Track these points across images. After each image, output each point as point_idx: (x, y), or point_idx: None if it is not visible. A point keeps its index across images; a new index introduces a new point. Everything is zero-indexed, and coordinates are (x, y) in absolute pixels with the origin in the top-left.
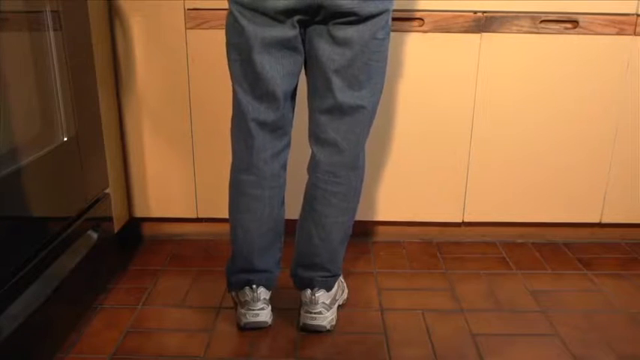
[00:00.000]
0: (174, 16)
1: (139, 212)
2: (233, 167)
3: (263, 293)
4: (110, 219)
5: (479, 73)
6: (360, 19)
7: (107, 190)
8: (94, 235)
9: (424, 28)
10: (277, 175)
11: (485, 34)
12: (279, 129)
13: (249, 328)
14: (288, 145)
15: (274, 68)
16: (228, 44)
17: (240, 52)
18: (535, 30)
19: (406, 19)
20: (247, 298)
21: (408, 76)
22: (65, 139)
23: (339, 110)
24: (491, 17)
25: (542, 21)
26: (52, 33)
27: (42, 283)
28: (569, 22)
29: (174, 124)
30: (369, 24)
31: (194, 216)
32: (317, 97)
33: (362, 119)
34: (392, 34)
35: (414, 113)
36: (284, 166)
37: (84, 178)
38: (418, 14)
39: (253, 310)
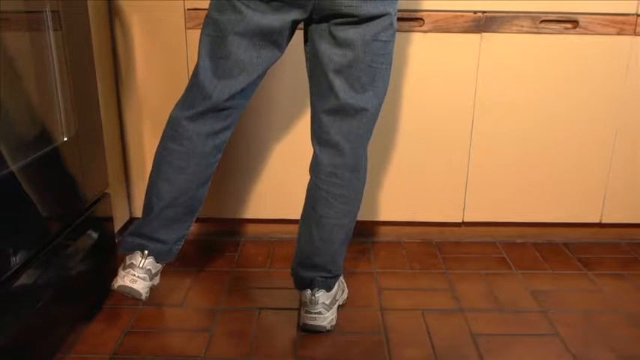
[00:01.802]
0: (174, 16)
1: (139, 212)
2: (165, 134)
3: (150, 264)
4: (110, 219)
5: (479, 73)
6: (359, 19)
7: (107, 190)
8: (94, 235)
9: (424, 28)
10: (208, 153)
11: (485, 34)
12: (226, 110)
13: (122, 294)
14: (229, 127)
15: (249, 54)
16: (207, 18)
17: (217, 29)
18: (535, 30)
19: (406, 19)
20: (134, 262)
21: (408, 76)
22: (65, 139)
23: (342, 111)
24: (491, 17)
25: (542, 21)
26: (52, 33)
27: (42, 283)
28: (569, 22)
29: None
30: (371, 25)
31: None
32: (320, 97)
33: (364, 121)
34: None
35: (414, 113)
36: (219, 148)
37: (84, 178)
38: (418, 14)
39: (134, 275)
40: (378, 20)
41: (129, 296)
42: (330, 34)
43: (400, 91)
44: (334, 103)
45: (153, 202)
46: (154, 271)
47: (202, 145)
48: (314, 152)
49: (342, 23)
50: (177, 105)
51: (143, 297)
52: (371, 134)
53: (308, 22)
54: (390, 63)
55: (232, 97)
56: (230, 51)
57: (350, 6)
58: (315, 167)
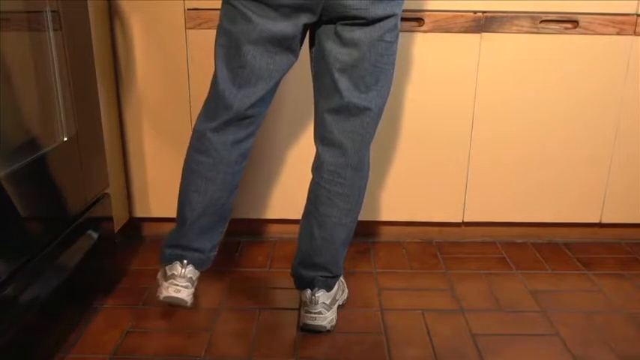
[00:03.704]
0: (174, 16)
1: (139, 212)
2: (191, 146)
3: (191, 272)
4: (110, 219)
5: (479, 73)
6: (367, 21)
7: (107, 190)
8: (94, 235)
9: (424, 28)
10: (234, 161)
11: (485, 34)
12: (248, 118)
13: (167, 303)
14: (252, 134)
15: (264, 61)
16: (220, 28)
17: (231, 39)
18: (535, 30)
19: (406, 19)
20: (175, 272)
21: (408, 76)
22: (65, 139)
23: (346, 111)
24: (492, 17)
25: (542, 21)
26: (52, 33)
27: (42, 283)
28: (569, 22)
29: (174, 124)
30: (377, 26)
31: None
32: (324, 97)
33: (368, 121)
34: None
35: (414, 113)
36: (244, 155)
37: (84, 178)
38: (418, 14)
39: (177, 285)
40: (385, 21)
41: (175, 305)
42: (337, 34)
43: (400, 91)
44: (338, 103)
45: (186, 213)
46: (194, 278)
47: (228, 155)
48: (317, 151)
49: (349, 24)
50: (199, 117)
51: (189, 304)
52: (374, 134)
53: (315, 24)
54: (394, 64)
55: (253, 105)
56: (246, 60)
57: (359, 8)
58: (317, 166)
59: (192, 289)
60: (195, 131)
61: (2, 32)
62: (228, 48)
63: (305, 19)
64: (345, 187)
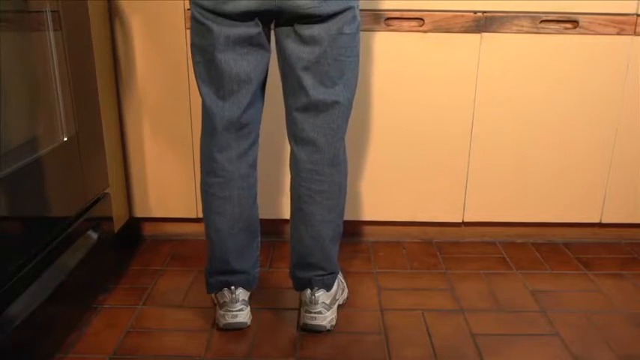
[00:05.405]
0: (174, 16)
1: (139, 212)
2: (202, 169)
3: (242, 294)
4: (110, 219)
5: (479, 73)
6: (322, 18)
7: (107, 190)
8: (94, 235)
9: (424, 28)
10: (246, 174)
11: (485, 34)
12: (245, 127)
13: (229, 330)
14: (254, 143)
15: (239, 65)
16: (192, 46)
17: (203, 53)
18: (535, 30)
19: (406, 19)
20: (226, 300)
21: (408, 75)
22: (65, 139)
23: (314, 108)
24: (491, 17)
25: (542, 21)
26: (52, 33)
27: (42, 283)
28: (569, 22)
29: (174, 124)
30: (334, 21)
31: (194, 216)
32: (291, 95)
33: (338, 115)
34: (392, 34)
35: (414, 113)
36: (253, 165)
37: (84, 178)
38: (418, 14)
39: (232, 311)
40: (341, 15)
41: (236, 329)
42: (296, 33)
43: (400, 91)
44: (305, 101)
45: (213, 237)
46: (247, 298)
47: (237, 169)
48: (291, 150)
49: (306, 23)
50: (201, 137)
51: (248, 324)
52: (346, 127)
53: (274, 23)
54: (358, 55)
55: (244, 111)
56: (222, 70)
57: (312, 7)
58: (294, 165)
59: (248, 308)
60: (201, 153)
61: (2, 32)
62: (204, 62)
63: (261, 17)
64: (325, 183)
